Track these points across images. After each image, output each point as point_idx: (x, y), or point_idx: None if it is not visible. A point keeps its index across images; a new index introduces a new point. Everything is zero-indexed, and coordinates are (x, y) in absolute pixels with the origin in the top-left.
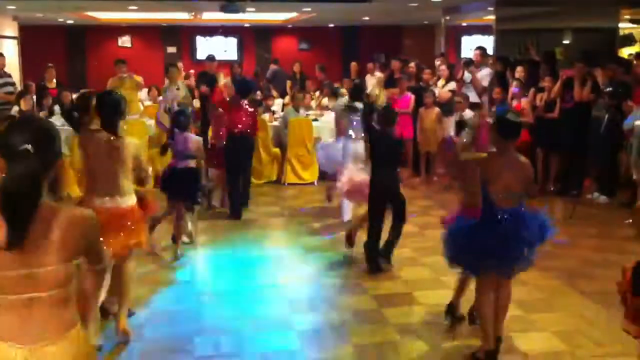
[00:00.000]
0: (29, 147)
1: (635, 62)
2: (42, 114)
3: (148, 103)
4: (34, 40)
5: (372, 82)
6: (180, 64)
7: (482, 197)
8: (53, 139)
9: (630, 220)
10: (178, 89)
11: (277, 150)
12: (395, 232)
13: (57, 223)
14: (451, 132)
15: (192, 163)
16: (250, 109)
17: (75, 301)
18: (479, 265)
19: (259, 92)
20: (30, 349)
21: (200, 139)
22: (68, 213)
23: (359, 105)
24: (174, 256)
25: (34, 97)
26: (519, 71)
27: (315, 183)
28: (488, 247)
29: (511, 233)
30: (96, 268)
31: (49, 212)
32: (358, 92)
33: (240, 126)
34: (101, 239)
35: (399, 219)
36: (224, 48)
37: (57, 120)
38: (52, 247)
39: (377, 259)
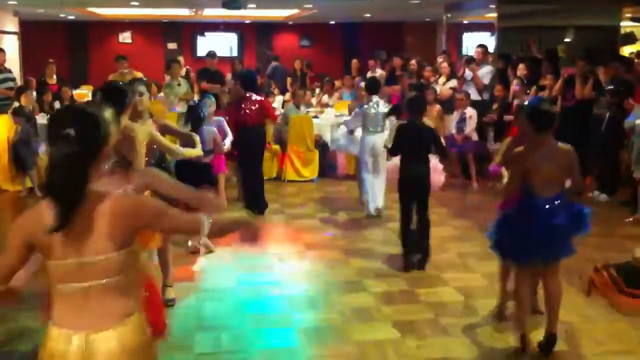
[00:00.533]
0: (71, 131)
1: (636, 60)
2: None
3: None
4: (35, 35)
5: None
6: (181, 59)
7: (523, 188)
8: (98, 125)
9: (631, 219)
10: (179, 84)
11: (277, 147)
12: (422, 224)
13: (105, 211)
14: (452, 129)
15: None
16: (258, 98)
17: (135, 289)
18: (522, 254)
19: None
20: (87, 334)
21: (213, 129)
22: (115, 201)
23: (376, 98)
24: (196, 248)
25: (34, 92)
26: (521, 69)
27: (315, 180)
28: (530, 237)
29: (552, 222)
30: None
31: (97, 199)
32: (375, 86)
33: (249, 119)
34: (166, 208)
35: (424, 209)
36: (226, 44)
37: None
38: (102, 236)
39: (410, 255)
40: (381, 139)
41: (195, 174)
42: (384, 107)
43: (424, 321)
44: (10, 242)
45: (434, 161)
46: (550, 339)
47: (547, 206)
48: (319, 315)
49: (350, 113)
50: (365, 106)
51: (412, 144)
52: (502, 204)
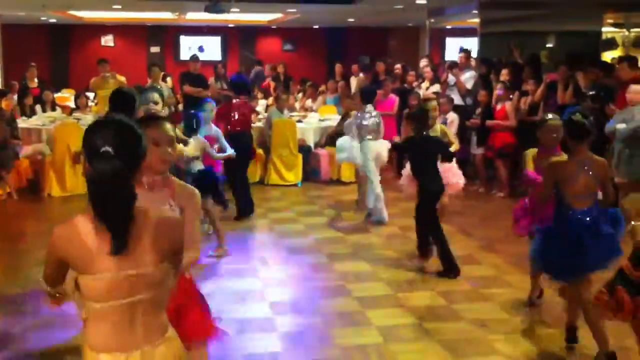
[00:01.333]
0: (110, 149)
1: (617, 65)
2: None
3: None
4: (17, 38)
5: (354, 83)
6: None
7: (557, 200)
8: (137, 141)
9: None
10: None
11: (260, 151)
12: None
13: (149, 225)
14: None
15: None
16: (246, 103)
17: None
18: (578, 271)
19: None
20: (142, 353)
21: (204, 140)
22: (159, 215)
23: (370, 108)
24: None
25: (15, 97)
26: (504, 74)
27: (299, 184)
28: (582, 252)
29: (600, 231)
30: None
31: (140, 214)
32: (370, 96)
33: (239, 124)
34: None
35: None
36: (209, 47)
37: (39, 120)
38: (147, 249)
39: (454, 260)
40: (384, 145)
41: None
42: (378, 116)
43: (407, 326)
44: (48, 257)
45: (454, 166)
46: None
47: (587, 218)
48: (303, 320)
49: (343, 118)
50: (359, 115)
51: (424, 158)
52: (536, 219)
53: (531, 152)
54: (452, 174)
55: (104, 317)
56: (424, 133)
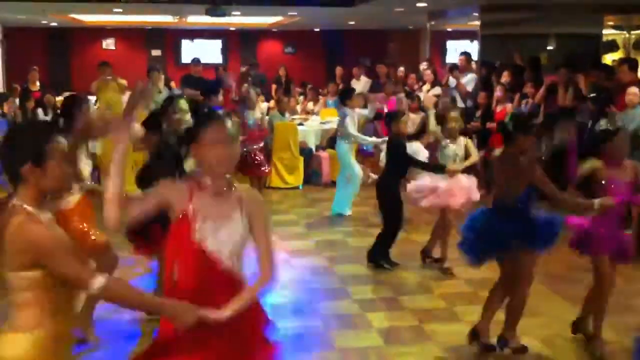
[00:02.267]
0: None
1: (618, 68)
2: None
3: None
4: (18, 42)
5: (357, 86)
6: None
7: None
8: None
9: None
10: (160, 92)
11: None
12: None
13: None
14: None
15: None
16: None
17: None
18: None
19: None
20: None
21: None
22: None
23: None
24: None
25: (17, 100)
26: (504, 76)
27: (300, 187)
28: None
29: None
30: None
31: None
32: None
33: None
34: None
35: None
36: (210, 51)
37: None
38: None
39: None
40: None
41: None
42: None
43: (407, 328)
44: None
45: (466, 177)
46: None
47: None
48: (303, 322)
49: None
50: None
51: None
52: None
53: (593, 165)
54: (472, 190)
55: None
56: (396, 136)
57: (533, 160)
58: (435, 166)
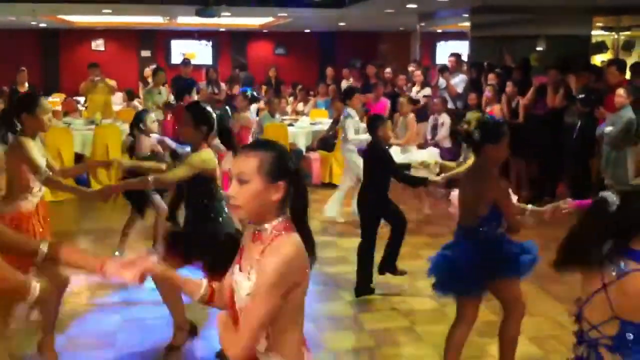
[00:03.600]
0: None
1: (606, 69)
2: None
3: (118, 107)
4: (7, 43)
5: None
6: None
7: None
8: None
9: None
10: (160, 93)
11: None
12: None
13: None
14: (428, 135)
15: None
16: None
17: None
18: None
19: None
20: None
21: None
22: None
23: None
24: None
25: (5, 101)
26: (491, 78)
27: None
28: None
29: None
30: None
31: None
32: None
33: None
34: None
35: None
36: (200, 52)
37: None
38: None
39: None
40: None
41: None
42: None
43: (399, 329)
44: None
45: None
46: None
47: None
48: None
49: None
50: None
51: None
52: None
53: None
54: None
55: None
56: (379, 142)
57: (494, 175)
58: (417, 179)
